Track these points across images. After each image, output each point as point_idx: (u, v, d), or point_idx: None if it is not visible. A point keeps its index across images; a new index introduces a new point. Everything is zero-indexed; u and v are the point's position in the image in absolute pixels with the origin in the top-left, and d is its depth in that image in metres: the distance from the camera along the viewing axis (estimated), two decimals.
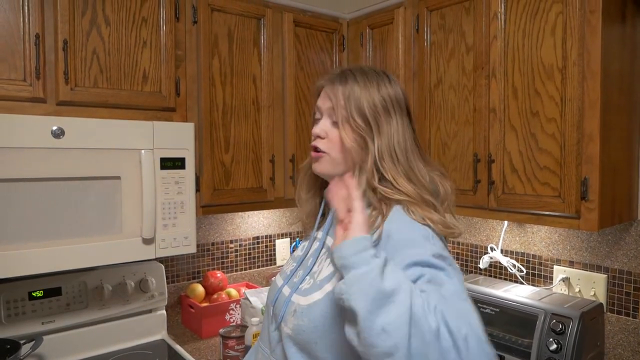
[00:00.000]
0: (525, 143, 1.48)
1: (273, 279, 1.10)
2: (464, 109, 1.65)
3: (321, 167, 0.97)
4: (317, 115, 0.99)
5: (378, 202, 0.90)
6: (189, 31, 1.70)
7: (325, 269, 0.92)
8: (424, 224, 0.86)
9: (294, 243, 1.12)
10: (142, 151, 1.52)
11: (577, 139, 1.36)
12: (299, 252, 1.08)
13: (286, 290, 0.98)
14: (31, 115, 1.37)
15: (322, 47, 2.06)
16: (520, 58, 1.49)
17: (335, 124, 0.94)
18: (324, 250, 0.98)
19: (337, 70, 1.00)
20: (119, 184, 1.50)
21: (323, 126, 0.96)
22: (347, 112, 0.92)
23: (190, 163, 1.63)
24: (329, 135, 0.95)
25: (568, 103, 1.38)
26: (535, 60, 1.45)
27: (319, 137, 0.96)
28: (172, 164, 1.59)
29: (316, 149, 0.97)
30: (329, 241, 0.98)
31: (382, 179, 0.90)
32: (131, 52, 1.57)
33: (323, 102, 0.97)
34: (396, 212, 0.89)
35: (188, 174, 1.63)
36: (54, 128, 1.38)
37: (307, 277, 0.96)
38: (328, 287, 0.89)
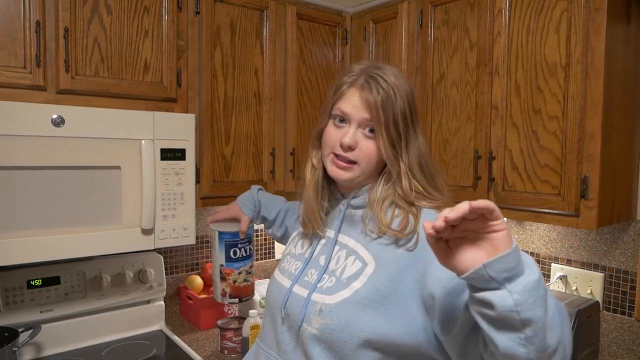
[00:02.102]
0: (527, 140, 1.48)
1: (271, 278, 1.09)
2: (466, 106, 1.65)
3: (348, 176, 0.94)
4: (340, 119, 0.94)
5: (407, 206, 0.91)
6: (191, 22, 1.69)
7: (349, 266, 0.91)
8: None
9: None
10: (143, 141, 1.52)
11: (579, 137, 1.36)
12: (299, 250, 1.05)
13: (299, 290, 0.95)
14: (31, 103, 1.36)
15: (325, 41, 2.05)
16: (524, 55, 1.49)
17: (367, 135, 0.92)
18: (337, 247, 0.97)
19: (358, 70, 0.95)
20: (119, 174, 1.50)
21: (354, 137, 0.92)
22: (385, 124, 0.90)
23: (190, 154, 1.62)
24: (360, 146, 0.92)
25: (570, 101, 1.38)
26: (539, 57, 1.45)
27: (349, 147, 0.92)
28: (172, 155, 1.58)
29: (345, 159, 0.93)
30: (342, 238, 0.97)
31: (409, 186, 0.92)
32: (132, 41, 1.56)
33: (355, 111, 0.92)
34: (427, 214, 0.91)
35: (188, 165, 1.62)
36: (54, 116, 1.38)
37: (325, 276, 0.94)
38: (357, 285, 0.88)
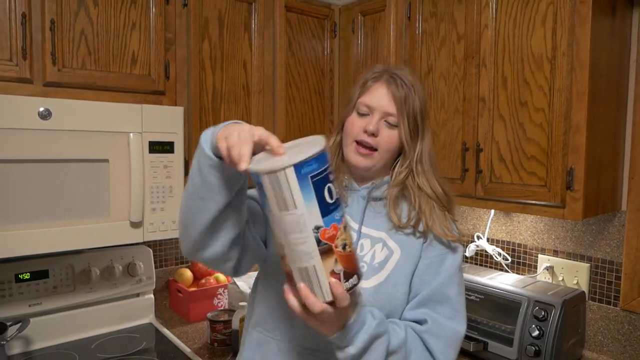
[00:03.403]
0: (514, 132, 1.50)
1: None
2: (453, 98, 1.66)
3: (367, 163, 1.01)
4: (364, 110, 1.01)
5: (414, 200, 1.00)
6: (179, 14, 1.68)
7: (378, 253, 0.98)
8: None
9: None
10: (131, 134, 1.51)
11: (564, 129, 1.38)
12: None
13: None
14: (17, 96, 1.35)
15: (314, 33, 2.05)
16: (511, 48, 1.49)
17: (390, 125, 1.00)
18: (362, 239, 1.00)
19: (381, 69, 1.04)
20: (107, 167, 1.49)
21: (377, 125, 0.99)
22: (406, 116, 0.99)
23: (179, 147, 1.62)
24: (382, 134, 0.99)
25: (556, 93, 1.39)
26: (525, 50, 1.46)
27: (373, 134, 0.99)
28: (160, 147, 1.58)
29: (367, 145, 0.99)
30: (364, 230, 1.01)
31: (412, 177, 1.01)
32: (120, 34, 1.55)
33: (380, 103, 1.00)
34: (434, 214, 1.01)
35: (177, 158, 1.62)
36: (41, 109, 1.37)
37: None
38: (390, 266, 0.97)
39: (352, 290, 0.76)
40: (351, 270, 0.75)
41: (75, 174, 1.44)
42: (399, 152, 1.03)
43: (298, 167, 0.69)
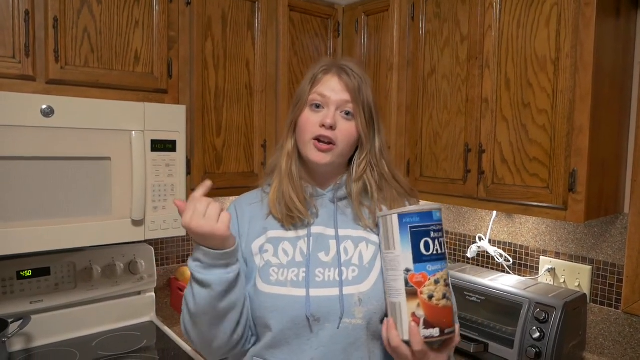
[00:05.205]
0: (516, 134, 1.49)
1: (263, 292, 0.94)
2: (456, 99, 1.66)
3: (328, 159, 0.96)
4: (318, 100, 0.96)
5: (384, 192, 1.00)
6: (182, 12, 1.68)
7: (365, 252, 0.96)
8: None
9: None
10: (133, 132, 1.51)
11: (567, 131, 1.37)
12: (285, 257, 0.96)
13: (320, 292, 0.92)
14: (20, 93, 1.35)
15: (317, 33, 2.05)
16: (514, 49, 1.49)
17: (346, 116, 0.96)
18: (344, 243, 0.97)
19: (328, 61, 1.00)
20: (109, 165, 1.49)
21: (334, 117, 0.95)
22: (361, 107, 0.96)
23: (181, 146, 1.62)
24: (339, 127, 0.96)
25: (559, 95, 1.39)
26: (529, 51, 1.45)
27: (331, 127, 0.94)
28: (163, 146, 1.58)
29: (326, 140, 0.95)
30: (345, 232, 0.98)
31: (373, 171, 1.00)
32: (123, 32, 1.55)
33: (334, 93, 0.96)
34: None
35: (179, 156, 1.62)
36: (44, 107, 1.37)
37: (343, 269, 0.94)
38: (379, 265, 0.95)
39: (430, 339, 0.83)
40: (433, 322, 0.82)
41: (77, 171, 1.44)
42: (356, 146, 1.00)
43: (401, 216, 0.84)
